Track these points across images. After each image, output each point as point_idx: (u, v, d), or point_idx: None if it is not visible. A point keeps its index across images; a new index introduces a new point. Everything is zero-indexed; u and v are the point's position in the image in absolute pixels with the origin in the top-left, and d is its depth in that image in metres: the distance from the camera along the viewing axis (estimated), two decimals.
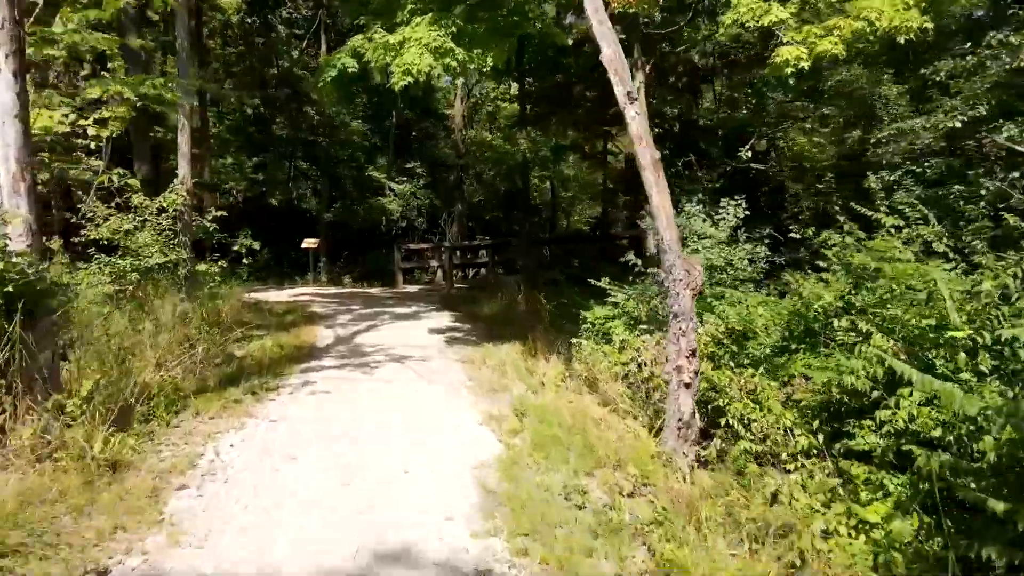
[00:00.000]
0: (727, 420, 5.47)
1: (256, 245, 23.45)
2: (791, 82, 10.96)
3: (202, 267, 9.70)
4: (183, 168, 8.73)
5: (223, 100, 22.20)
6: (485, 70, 9.78)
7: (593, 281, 10.94)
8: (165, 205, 8.66)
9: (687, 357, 5.68)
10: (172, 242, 8.74)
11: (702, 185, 12.01)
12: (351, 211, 21.67)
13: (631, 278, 11.16)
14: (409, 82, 8.23)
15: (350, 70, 10.45)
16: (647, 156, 5.51)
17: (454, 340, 10.85)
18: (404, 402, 7.17)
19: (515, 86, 22.20)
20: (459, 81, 22.44)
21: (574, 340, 10.50)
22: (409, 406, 7.00)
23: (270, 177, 25.61)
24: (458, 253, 19.67)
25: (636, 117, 5.48)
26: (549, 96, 19.93)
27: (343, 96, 14.13)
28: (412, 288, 19.04)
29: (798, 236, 8.37)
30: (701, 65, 14.64)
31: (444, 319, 13.02)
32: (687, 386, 5.70)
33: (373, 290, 18.66)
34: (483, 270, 21.25)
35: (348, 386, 7.79)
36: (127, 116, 9.52)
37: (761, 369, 6.17)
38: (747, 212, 8.29)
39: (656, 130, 14.86)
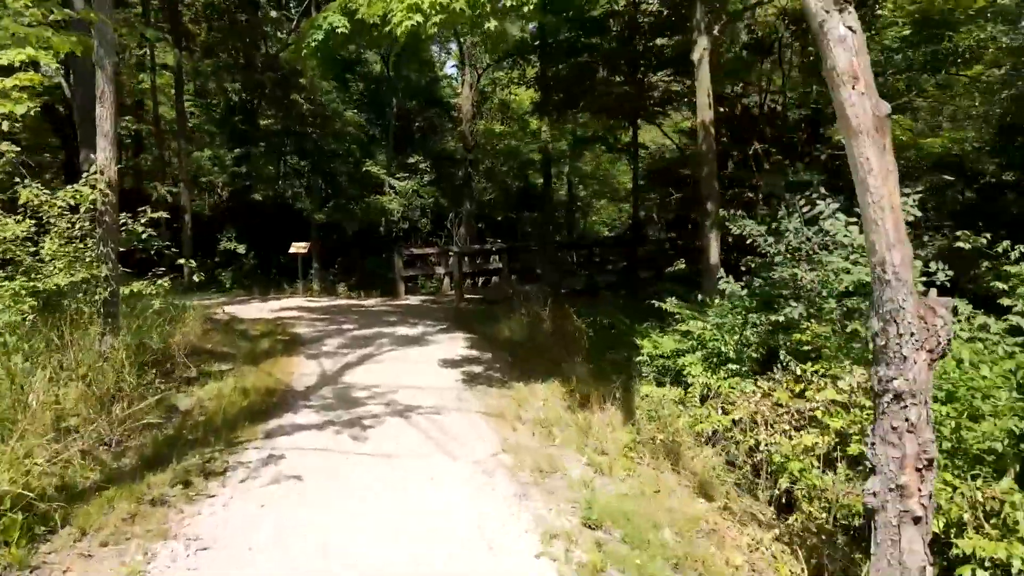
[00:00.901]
0: None
1: (240, 248, 21.10)
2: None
3: (137, 285, 7.19)
4: (104, 152, 6.25)
5: (201, 82, 19.79)
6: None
7: (660, 303, 8.57)
8: (75, 202, 6.22)
9: (918, 470, 3.26)
10: (87, 254, 6.33)
11: (785, 176, 9.59)
12: (346, 211, 19.24)
13: (699, 296, 8.78)
14: (416, 24, 5.79)
15: (339, 30, 8.02)
16: (860, 111, 3.02)
17: (474, 378, 8.39)
18: (413, 502, 4.72)
19: (530, 71, 19.76)
20: (467, 66, 20.00)
21: (629, 378, 8.15)
22: (422, 512, 4.55)
23: (256, 172, 23.16)
24: (468, 259, 17.20)
25: (846, 38, 2.99)
26: (569, 80, 17.45)
27: (329, 67, 11.70)
28: (415, 300, 16.59)
29: (968, 245, 5.93)
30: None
31: (457, 344, 10.57)
32: (916, 520, 3.30)
33: (370, 302, 16.22)
34: (495, 278, 18.81)
35: (330, 465, 5.34)
36: (34, 84, 7.07)
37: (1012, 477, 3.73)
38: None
39: (722, 108, 12.35)
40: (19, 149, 8.05)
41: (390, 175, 20.28)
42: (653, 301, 9.07)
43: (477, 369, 8.85)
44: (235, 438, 5.88)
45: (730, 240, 15.23)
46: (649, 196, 17.16)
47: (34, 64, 7.79)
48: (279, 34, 20.85)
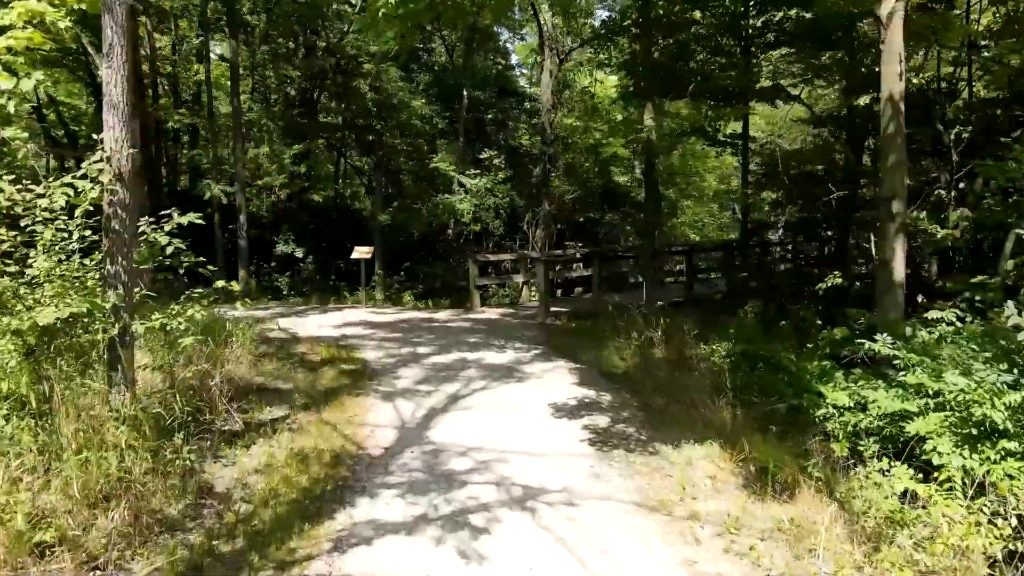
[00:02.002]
0: None
1: (299, 252, 19.53)
2: None
3: (157, 319, 5.32)
4: (112, 131, 4.40)
5: (258, 74, 18.26)
6: None
7: (814, 326, 6.39)
8: (74, 200, 4.37)
9: None
10: (88, 276, 4.51)
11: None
12: (412, 212, 17.46)
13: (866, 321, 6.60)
14: None
15: None
16: None
17: (602, 435, 6.32)
18: None
19: (617, 53, 17.57)
20: (548, 49, 17.94)
21: (802, 438, 6.06)
22: None
23: (315, 170, 21.60)
24: (551, 267, 15.13)
25: None
26: (666, 62, 15.17)
27: (407, 35, 9.70)
28: (493, 313, 14.60)
29: None
30: None
31: (562, 378, 8.51)
32: None
33: (443, 315, 14.31)
34: (579, 288, 16.71)
35: None
36: (37, 46, 5.33)
37: None
38: None
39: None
40: (26, 135, 6.35)
41: (460, 172, 18.39)
42: (804, 323, 6.86)
43: (601, 420, 6.76)
44: (290, 553, 3.93)
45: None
46: (761, 195, 14.77)
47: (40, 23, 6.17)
48: (339, 24, 19.22)
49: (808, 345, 9.27)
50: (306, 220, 19.79)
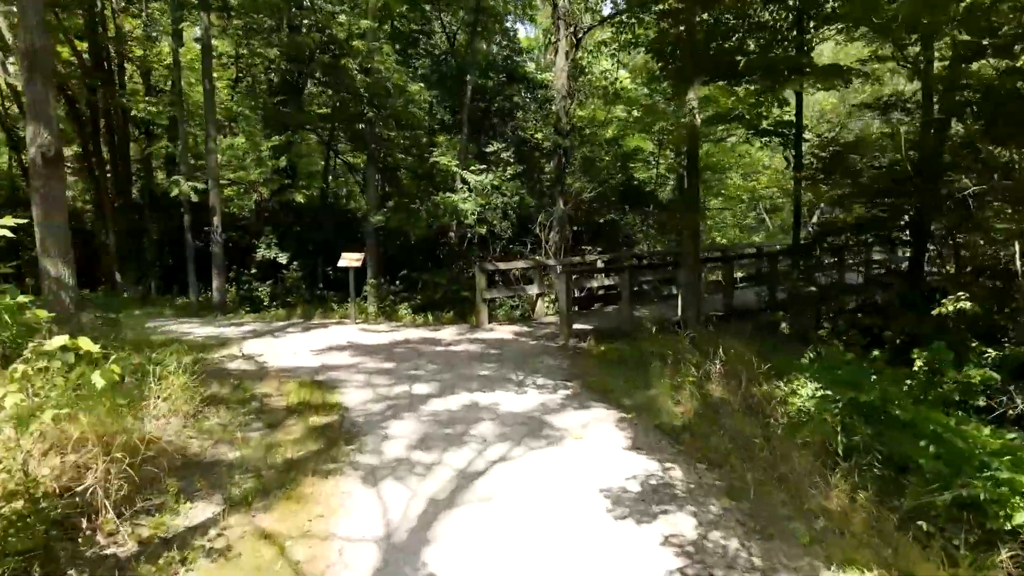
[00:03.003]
0: None
1: (282, 257, 17.31)
2: None
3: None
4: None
5: (234, 56, 16.07)
6: None
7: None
8: None
9: None
10: None
11: None
12: (409, 213, 15.24)
13: None
14: None
15: None
16: None
17: (698, 558, 4.13)
18: None
19: (641, 32, 15.38)
20: (562, 26, 15.74)
21: None
22: None
23: (300, 166, 19.42)
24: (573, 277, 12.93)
25: None
26: (699, 41, 12.98)
27: None
28: (505, 331, 12.39)
29: None
30: None
31: (607, 435, 6.33)
32: None
33: (446, 334, 12.12)
34: (599, 301, 14.52)
35: None
36: None
37: None
38: None
39: None
40: None
41: (463, 167, 16.19)
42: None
43: (685, 523, 4.58)
44: None
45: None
46: (819, 192, 12.53)
47: None
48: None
49: (928, 388, 7.12)
50: (291, 222, 17.59)
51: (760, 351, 9.05)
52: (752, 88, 13.16)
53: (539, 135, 17.11)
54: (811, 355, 8.73)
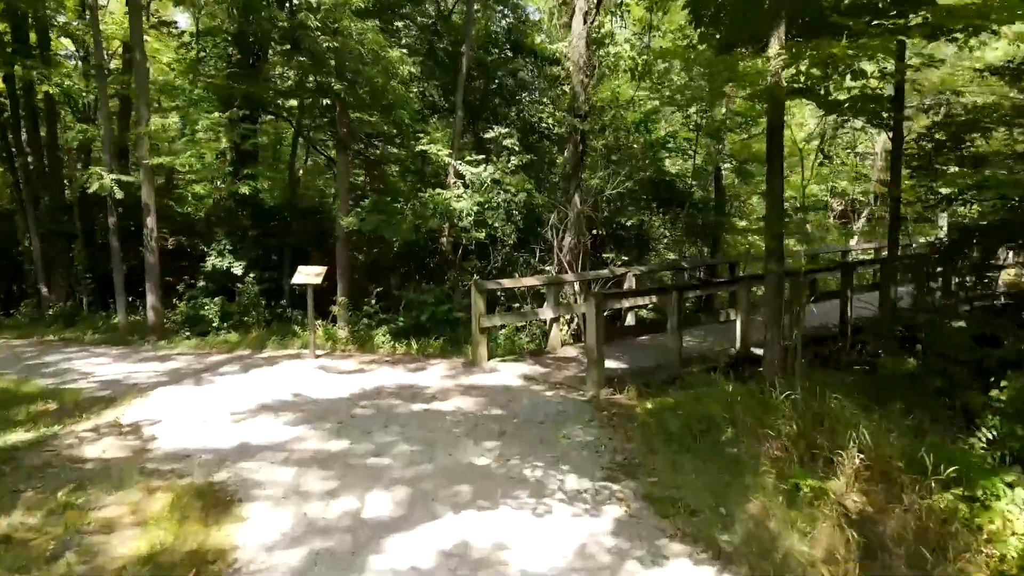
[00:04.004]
0: None
1: (237, 267, 14.18)
2: None
3: None
4: None
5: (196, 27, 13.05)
6: None
7: None
8: None
9: None
10: None
11: None
12: (390, 214, 12.16)
13: None
14: None
15: None
16: None
17: None
18: None
19: None
20: None
21: None
22: None
23: (266, 157, 16.34)
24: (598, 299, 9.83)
25: None
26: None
27: None
28: (509, 373, 9.24)
29: None
30: None
31: None
32: None
33: (432, 376, 9.02)
34: (632, 331, 11.44)
35: None
36: None
37: None
38: None
39: None
40: None
41: (457, 158, 13.13)
42: None
43: None
44: None
45: None
46: (933, 182, 9.45)
47: None
48: None
49: None
50: (248, 224, 14.48)
51: (880, 413, 6.05)
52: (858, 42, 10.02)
53: (550, 119, 13.99)
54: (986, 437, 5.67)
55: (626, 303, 11.34)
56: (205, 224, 15.05)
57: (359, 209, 12.58)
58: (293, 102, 14.81)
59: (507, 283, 10.08)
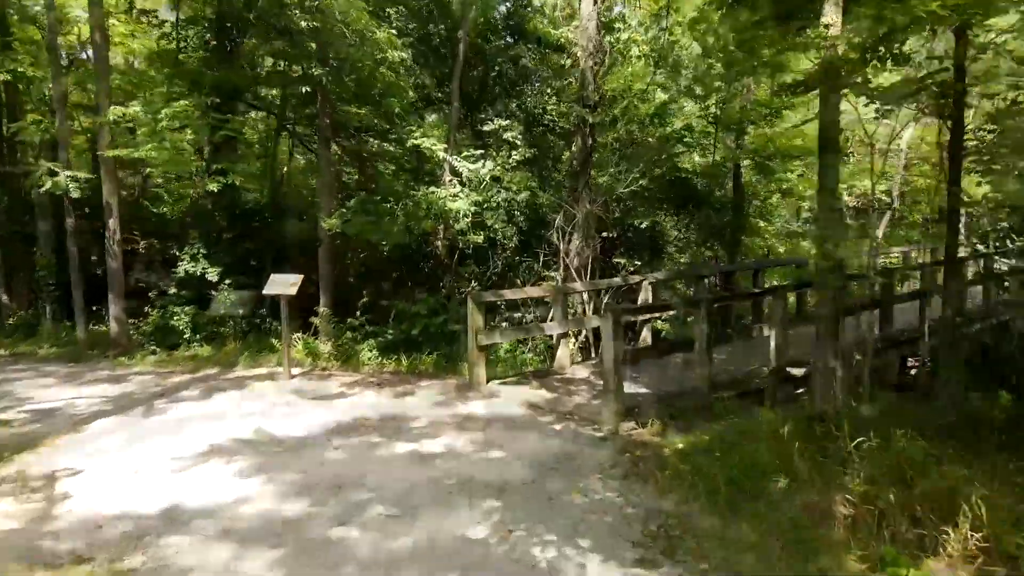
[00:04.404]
0: None
1: (212, 273, 12.87)
2: None
3: None
4: None
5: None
6: None
7: None
8: None
9: None
10: None
11: None
12: (378, 215, 10.90)
13: None
14: None
15: None
16: None
17: None
18: None
19: None
20: None
21: None
22: None
23: (248, 155, 15.08)
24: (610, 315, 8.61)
25: None
26: None
27: None
28: (510, 400, 7.97)
29: None
30: None
31: None
32: None
33: (421, 403, 7.76)
34: (649, 347, 10.17)
35: None
36: None
37: None
38: None
39: None
40: None
41: (453, 152, 11.90)
42: None
43: None
44: None
45: None
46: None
47: None
48: None
49: None
50: (223, 226, 13.21)
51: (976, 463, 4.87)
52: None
53: (555, 111, 12.74)
54: None
55: (642, 316, 10.09)
56: (179, 225, 13.78)
57: (344, 210, 11.32)
58: (274, 91, 13.58)
59: (508, 294, 8.82)
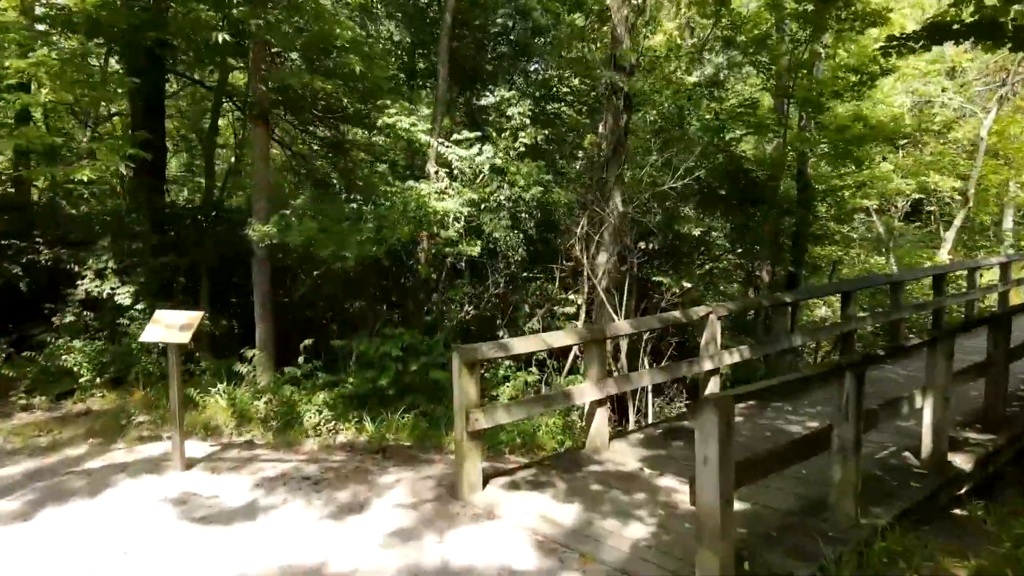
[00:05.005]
0: None
1: (124, 295, 9.58)
2: None
3: None
4: None
5: None
6: None
7: None
8: None
9: None
10: None
11: None
12: (333, 220, 7.80)
13: None
14: None
15: None
16: None
17: None
18: None
19: None
20: None
21: None
22: None
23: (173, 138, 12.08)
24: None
25: None
26: None
27: None
28: (523, 536, 4.90)
29: None
30: None
31: None
32: None
33: (370, 538, 4.69)
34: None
35: None
36: None
37: None
38: None
39: None
40: None
41: (443, 136, 8.84)
42: None
43: None
44: None
45: None
46: None
47: None
48: None
49: None
50: (139, 231, 10.12)
51: None
52: None
53: (575, 80, 9.61)
54: None
55: (714, 374, 6.98)
56: (83, 232, 10.65)
57: (286, 213, 8.22)
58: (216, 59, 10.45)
59: (517, 345, 5.64)
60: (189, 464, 6.08)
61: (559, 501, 5.10)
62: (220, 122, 14.20)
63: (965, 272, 12.12)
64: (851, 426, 4.44)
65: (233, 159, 12.50)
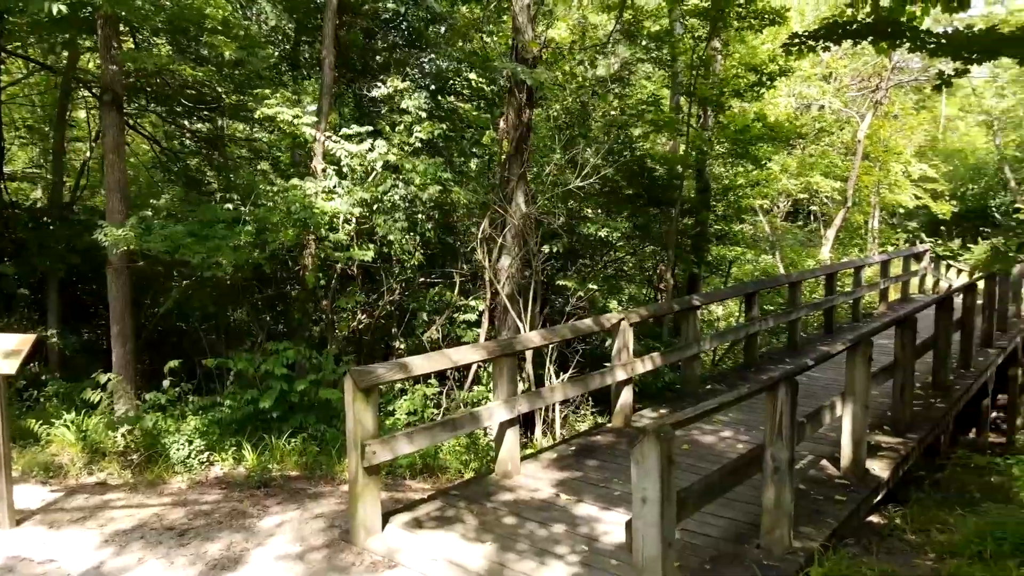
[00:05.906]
0: None
1: None
2: None
3: None
4: None
5: None
6: None
7: None
8: None
9: None
10: None
11: None
12: (202, 223, 6.85)
13: None
14: None
15: None
16: None
17: None
18: None
19: None
20: None
21: None
22: None
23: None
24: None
25: None
26: None
27: None
28: (424, 568, 4.28)
29: None
30: None
31: None
32: None
33: None
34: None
35: None
36: None
37: None
38: None
39: None
40: None
41: (327, 128, 8.04)
42: None
43: None
44: None
45: None
46: None
47: None
48: None
49: None
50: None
51: None
52: None
53: (473, 74, 9.03)
54: None
55: (633, 369, 6.58)
56: None
57: (148, 213, 7.18)
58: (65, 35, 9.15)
59: (418, 365, 4.98)
60: (20, 519, 5.03)
61: (469, 540, 4.50)
62: (79, 114, 12.71)
63: (852, 270, 12.50)
64: (785, 445, 4.10)
65: (88, 153, 11.06)
